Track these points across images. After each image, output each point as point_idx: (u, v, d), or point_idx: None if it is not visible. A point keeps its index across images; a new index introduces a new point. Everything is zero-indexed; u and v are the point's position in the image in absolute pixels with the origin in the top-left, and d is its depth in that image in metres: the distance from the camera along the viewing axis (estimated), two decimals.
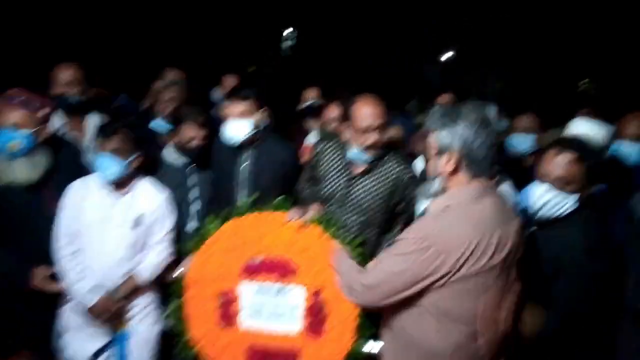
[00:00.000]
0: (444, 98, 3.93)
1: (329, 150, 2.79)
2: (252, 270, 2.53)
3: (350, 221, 2.61)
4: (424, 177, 2.14)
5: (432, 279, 1.82)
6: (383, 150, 2.64)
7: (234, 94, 2.90)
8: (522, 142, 3.48)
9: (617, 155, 3.01)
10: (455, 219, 1.81)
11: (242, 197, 2.89)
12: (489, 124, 1.82)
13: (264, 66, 13.19)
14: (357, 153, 2.62)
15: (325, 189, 2.71)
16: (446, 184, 1.90)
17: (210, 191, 3.10)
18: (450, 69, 14.09)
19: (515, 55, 12.25)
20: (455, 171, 1.86)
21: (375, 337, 2.40)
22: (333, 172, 2.71)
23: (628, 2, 9.64)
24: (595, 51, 11.12)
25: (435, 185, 1.92)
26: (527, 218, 2.28)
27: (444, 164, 1.86)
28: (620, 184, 2.84)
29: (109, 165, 2.61)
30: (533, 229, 2.31)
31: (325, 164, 2.77)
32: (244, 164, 2.95)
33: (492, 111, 1.86)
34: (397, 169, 2.62)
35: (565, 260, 2.14)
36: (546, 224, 2.27)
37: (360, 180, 2.64)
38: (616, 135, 3.08)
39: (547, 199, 2.21)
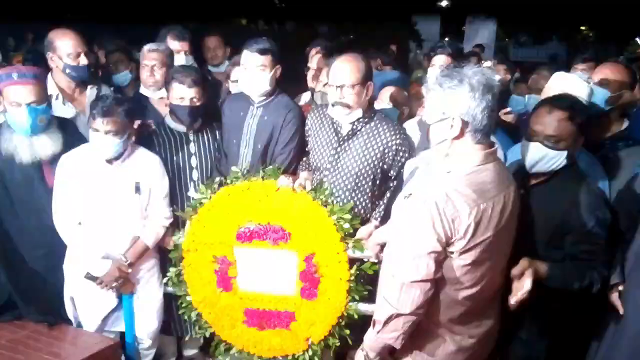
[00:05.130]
0: (441, 59, 3.67)
1: (317, 117, 2.63)
2: (246, 237, 2.45)
3: (339, 187, 2.46)
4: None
5: (452, 240, 1.68)
6: (369, 113, 2.48)
7: (252, 46, 2.67)
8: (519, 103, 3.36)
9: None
10: (460, 185, 1.67)
11: (246, 153, 2.74)
12: (491, 89, 1.67)
13: (256, 19, 12.59)
14: (333, 109, 2.47)
15: (314, 157, 2.57)
16: (449, 149, 1.75)
17: (217, 152, 2.93)
18: (447, 18, 13.52)
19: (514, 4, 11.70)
20: (459, 136, 1.71)
21: (367, 299, 2.34)
22: (321, 138, 2.56)
23: None
24: None
25: (440, 149, 1.77)
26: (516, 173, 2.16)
27: (448, 128, 1.71)
28: None
29: (107, 144, 2.49)
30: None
31: (314, 132, 2.61)
32: (251, 120, 2.77)
33: (494, 75, 1.70)
34: (387, 133, 2.44)
35: (574, 213, 2.02)
36: (541, 180, 2.15)
37: (348, 144, 2.47)
38: None
39: (540, 155, 2.07)
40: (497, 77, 1.71)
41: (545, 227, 2.07)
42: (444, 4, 14.76)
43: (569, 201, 2.03)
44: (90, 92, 3.05)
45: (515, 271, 1.92)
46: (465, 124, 1.69)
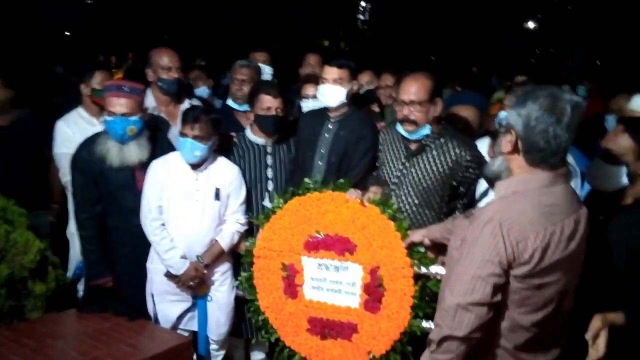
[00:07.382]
0: (521, 78, 3.58)
1: (389, 132, 2.63)
2: (313, 246, 2.47)
3: (406, 203, 2.44)
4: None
5: (516, 264, 1.57)
6: (439, 129, 2.44)
7: (331, 60, 2.77)
8: None
9: None
10: (527, 206, 1.58)
11: (320, 166, 2.81)
12: (559, 113, 1.55)
13: (339, 41, 12.75)
14: (399, 127, 2.46)
15: (383, 171, 2.56)
16: (508, 165, 1.68)
17: (291, 164, 3.02)
18: (533, 39, 12.99)
19: (600, 25, 11.01)
20: (512, 152, 1.64)
21: (432, 317, 2.27)
22: (391, 153, 2.55)
23: None
24: None
25: (496, 163, 1.71)
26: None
27: (506, 143, 1.65)
28: None
29: (193, 149, 2.65)
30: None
31: (385, 147, 2.61)
32: (327, 134, 2.84)
33: (571, 100, 1.56)
34: (457, 149, 2.39)
35: None
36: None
37: (417, 159, 2.45)
38: None
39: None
40: (575, 99, 1.56)
41: (625, 257, 1.93)
42: (531, 25, 14.23)
43: None
44: (184, 105, 3.22)
45: (588, 335, 1.76)
46: (520, 141, 1.61)
